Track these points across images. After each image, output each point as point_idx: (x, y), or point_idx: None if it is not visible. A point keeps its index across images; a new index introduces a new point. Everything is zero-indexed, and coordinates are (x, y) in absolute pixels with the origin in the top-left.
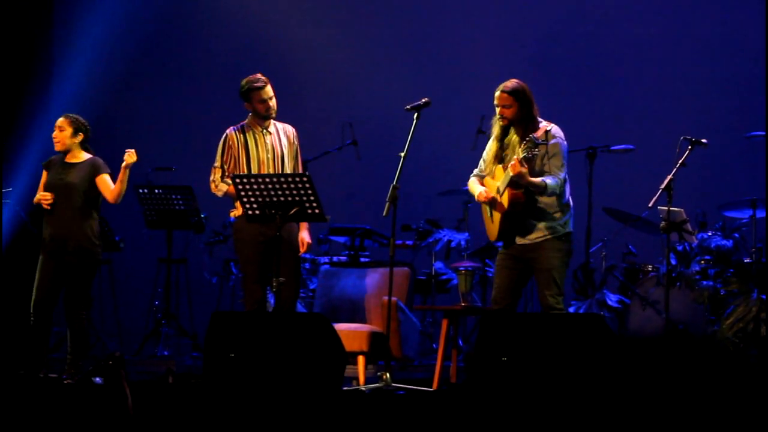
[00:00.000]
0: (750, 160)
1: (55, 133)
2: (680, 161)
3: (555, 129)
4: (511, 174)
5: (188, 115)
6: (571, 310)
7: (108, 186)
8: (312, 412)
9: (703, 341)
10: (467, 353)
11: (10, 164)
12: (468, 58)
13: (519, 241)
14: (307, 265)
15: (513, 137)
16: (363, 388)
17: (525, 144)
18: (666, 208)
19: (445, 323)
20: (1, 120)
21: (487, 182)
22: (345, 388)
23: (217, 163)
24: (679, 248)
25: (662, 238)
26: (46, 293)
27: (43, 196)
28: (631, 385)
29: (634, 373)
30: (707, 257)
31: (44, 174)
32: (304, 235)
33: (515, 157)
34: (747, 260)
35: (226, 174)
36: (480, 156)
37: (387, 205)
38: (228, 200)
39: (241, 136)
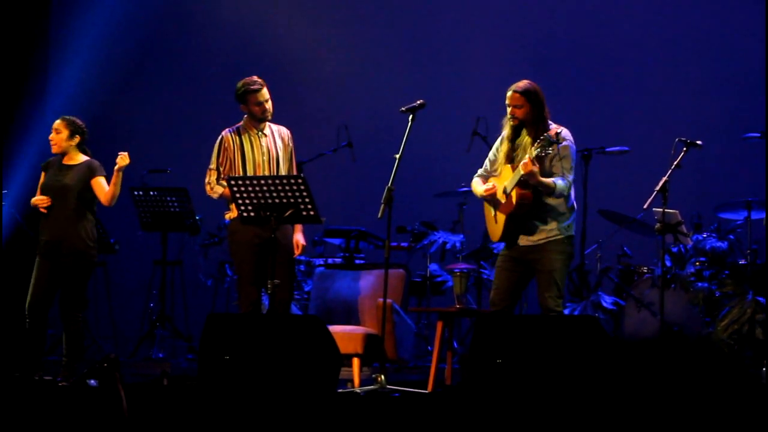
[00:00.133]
0: (745, 162)
1: (52, 136)
2: (675, 163)
3: (565, 132)
4: (522, 172)
5: (183, 117)
6: (566, 311)
7: (103, 189)
8: (307, 414)
9: (698, 343)
10: (462, 355)
11: (5, 166)
12: (463, 61)
13: (522, 242)
14: (302, 267)
15: (525, 139)
16: (358, 390)
17: (539, 142)
18: (661, 209)
19: (440, 325)
20: None
21: (492, 182)
22: (340, 390)
23: (213, 165)
24: (674, 250)
25: (657, 240)
26: (42, 295)
27: (39, 201)
28: (626, 387)
29: (628, 375)
30: (702, 259)
31: (42, 175)
32: (299, 237)
33: (527, 155)
34: (742, 262)
35: (222, 176)
36: (476, 158)
37: (382, 207)
38: (223, 202)
39: (237, 138)
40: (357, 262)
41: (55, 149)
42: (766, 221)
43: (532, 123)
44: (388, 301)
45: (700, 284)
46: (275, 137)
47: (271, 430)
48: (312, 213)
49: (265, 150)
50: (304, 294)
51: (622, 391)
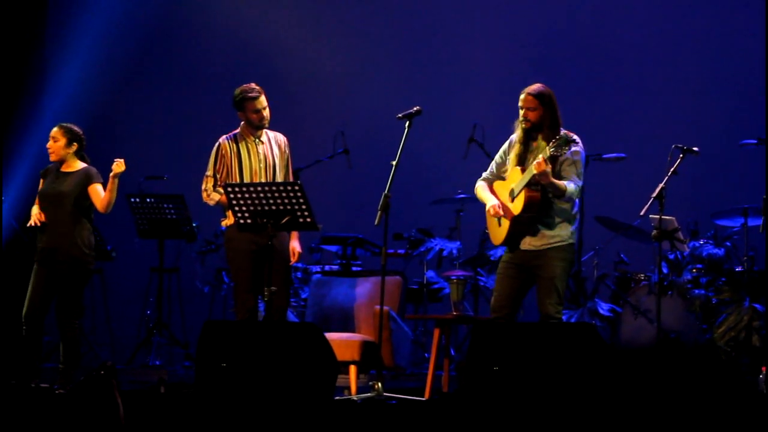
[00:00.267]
0: (742, 169)
1: (50, 144)
2: (672, 169)
3: (576, 137)
4: (534, 172)
5: (180, 124)
6: (563, 318)
7: (99, 195)
8: (304, 421)
9: (695, 350)
10: (459, 362)
11: (1, 173)
12: (459, 68)
13: (524, 246)
14: (299, 274)
15: (536, 143)
16: (355, 398)
17: (555, 141)
18: (658, 216)
19: (436, 332)
20: None
21: (498, 186)
22: (337, 398)
23: (210, 172)
24: (671, 257)
25: (654, 247)
26: (38, 302)
27: (36, 217)
28: (623, 394)
29: (625, 382)
30: (699, 266)
31: (41, 182)
32: (295, 245)
33: (541, 155)
34: (739, 269)
35: (218, 183)
36: (473, 164)
37: (379, 213)
38: (220, 209)
39: (234, 145)
40: (354, 269)
41: (52, 157)
42: (762, 228)
43: (544, 126)
44: (385, 308)
45: (696, 291)
46: (272, 144)
47: None
48: (309, 220)
49: (262, 157)
50: (301, 301)
51: (619, 399)
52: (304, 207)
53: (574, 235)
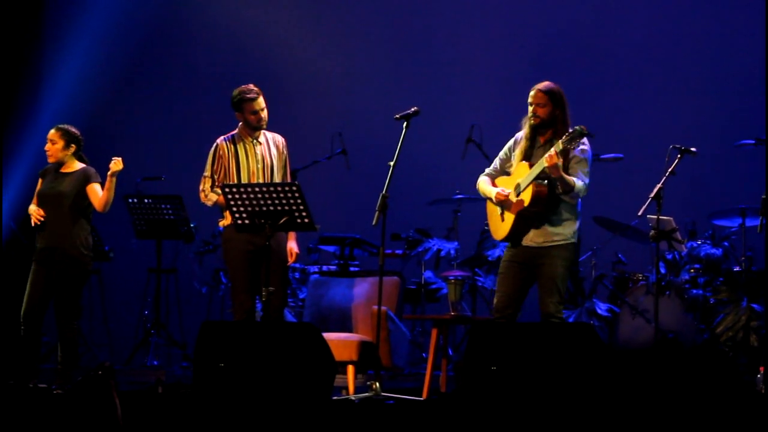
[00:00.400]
0: (739, 169)
1: (47, 146)
2: (669, 170)
3: (584, 138)
4: (545, 165)
5: (177, 125)
6: None
7: (97, 195)
8: (302, 421)
9: (692, 350)
10: (457, 362)
11: (1, 173)
12: (457, 69)
13: (526, 242)
14: (296, 275)
15: (542, 139)
16: (352, 398)
17: (569, 135)
18: (655, 216)
19: (434, 332)
20: None
21: (502, 181)
22: (334, 398)
23: (207, 173)
24: (669, 257)
25: (652, 247)
26: (37, 302)
27: (36, 213)
28: (620, 394)
29: (623, 382)
30: (697, 266)
31: (39, 182)
32: (293, 245)
33: (553, 148)
34: (736, 269)
35: (216, 184)
36: (470, 165)
37: (376, 214)
38: (217, 210)
39: (232, 146)
40: (351, 269)
41: (51, 159)
42: (760, 228)
43: (552, 123)
44: (383, 308)
45: (694, 291)
46: (270, 145)
47: None
48: (306, 220)
49: (259, 158)
50: (298, 301)
51: (617, 399)
52: (302, 207)
53: (576, 234)
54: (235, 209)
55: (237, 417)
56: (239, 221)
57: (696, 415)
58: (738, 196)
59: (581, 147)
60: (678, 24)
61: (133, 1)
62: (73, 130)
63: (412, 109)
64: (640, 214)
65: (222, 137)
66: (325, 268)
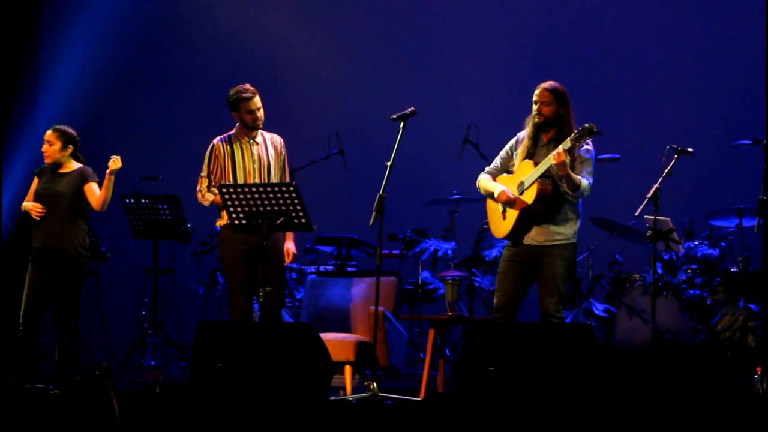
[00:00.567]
0: (736, 169)
1: (45, 147)
2: (666, 170)
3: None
4: (552, 162)
5: (175, 125)
6: None
7: (95, 194)
8: (299, 422)
9: (690, 350)
10: (454, 363)
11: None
12: (454, 69)
13: (528, 241)
14: (293, 275)
15: (545, 138)
16: (350, 398)
17: (578, 132)
18: (652, 217)
19: (431, 333)
20: None
21: (503, 180)
22: (332, 398)
23: (204, 173)
24: (666, 257)
25: (649, 247)
26: (35, 302)
27: (34, 207)
28: (617, 394)
29: (620, 382)
30: (694, 266)
31: (35, 181)
32: (290, 245)
33: (561, 146)
34: (734, 269)
35: (213, 184)
36: (467, 165)
37: (374, 214)
38: (214, 210)
39: (228, 146)
40: (349, 269)
41: (48, 160)
42: (757, 228)
43: (556, 122)
44: (380, 308)
45: (691, 291)
46: (267, 145)
47: None
48: (304, 221)
49: (256, 158)
50: (296, 301)
51: (614, 399)
52: (299, 208)
53: (576, 235)
54: (232, 209)
55: (234, 417)
56: (236, 221)
57: (694, 415)
58: (735, 196)
59: (585, 146)
60: (675, 24)
61: (130, 1)
62: (70, 130)
63: (409, 110)
64: (637, 214)
65: (218, 137)
66: (322, 268)
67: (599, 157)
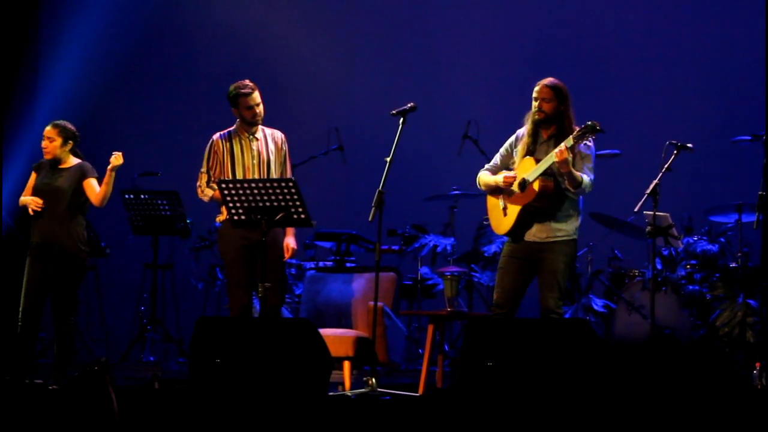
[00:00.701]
0: (736, 165)
1: (45, 143)
2: (666, 166)
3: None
4: (554, 160)
5: (174, 120)
6: None
7: (94, 190)
8: (298, 417)
9: (689, 346)
10: (453, 358)
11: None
12: (454, 64)
13: (529, 237)
14: (293, 270)
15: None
16: (349, 394)
17: (581, 129)
18: (652, 212)
19: (430, 328)
20: None
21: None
22: (331, 394)
23: (204, 169)
24: (665, 253)
25: (648, 243)
26: (34, 298)
27: (33, 201)
28: (616, 390)
29: (619, 378)
30: (693, 262)
31: (33, 176)
32: (290, 241)
33: (563, 143)
34: (733, 265)
35: (212, 179)
36: (467, 161)
37: (373, 210)
38: (214, 206)
39: (227, 142)
40: (348, 265)
41: (48, 156)
42: (756, 224)
43: (557, 119)
44: (379, 304)
45: (690, 287)
46: (268, 141)
47: None
48: (303, 216)
49: (255, 153)
50: (295, 297)
51: (613, 394)
52: (298, 203)
53: (577, 231)
54: (231, 205)
55: (233, 413)
56: (235, 217)
57: (693, 410)
58: (734, 192)
59: (585, 142)
60: (675, 20)
61: None
62: (70, 126)
63: (409, 105)
64: (636, 210)
65: (218, 133)
66: (321, 264)
67: (599, 152)
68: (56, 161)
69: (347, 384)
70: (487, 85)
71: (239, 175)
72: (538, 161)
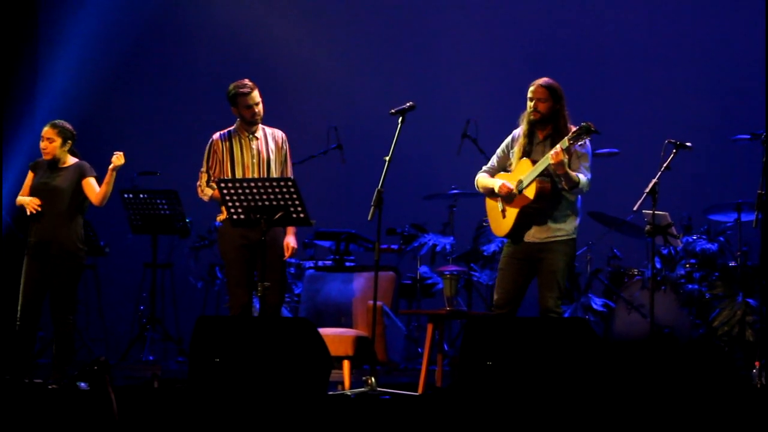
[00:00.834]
0: (735, 164)
1: (44, 144)
2: (665, 165)
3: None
4: (550, 162)
5: (173, 120)
6: None
7: (93, 189)
8: (297, 416)
9: (688, 345)
10: (452, 357)
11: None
12: (453, 63)
13: (528, 238)
14: (292, 270)
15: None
16: (348, 393)
17: (576, 131)
18: (651, 211)
19: (430, 327)
20: None
21: (501, 178)
22: (330, 393)
23: (204, 168)
24: (664, 252)
25: (647, 242)
26: (32, 297)
27: (33, 202)
28: (616, 389)
29: (619, 377)
30: (692, 261)
31: (30, 175)
32: (290, 240)
33: (559, 145)
34: (732, 264)
35: (212, 179)
36: (466, 160)
37: (372, 209)
38: (213, 205)
39: (227, 141)
40: (347, 264)
41: (47, 157)
42: (755, 223)
43: (552, 119)
44: (379, 303)
45: (690, 286)
46: (268, 140)
47: None
48: (302, 215)
49: (255, 152)
50: (294, 296)
51: (612, 394)
52: (297, 202)
53: (576, 231)
54: (230, 204)
55: (233, 412)
56: (234, 216)
57: (692, 410)
58: (733, 191)
59: (581, 142)
60: (674, 19)
61: None
62: (68, 126)
63: (408, 104)
64: (635, 209)
65: (218, 133)
66: (320, 263)
67: (597, 151)
68: (54, 161)
69: (347, 383)
70: (487, 84)
71: (239, 175)
72: (534, 163)
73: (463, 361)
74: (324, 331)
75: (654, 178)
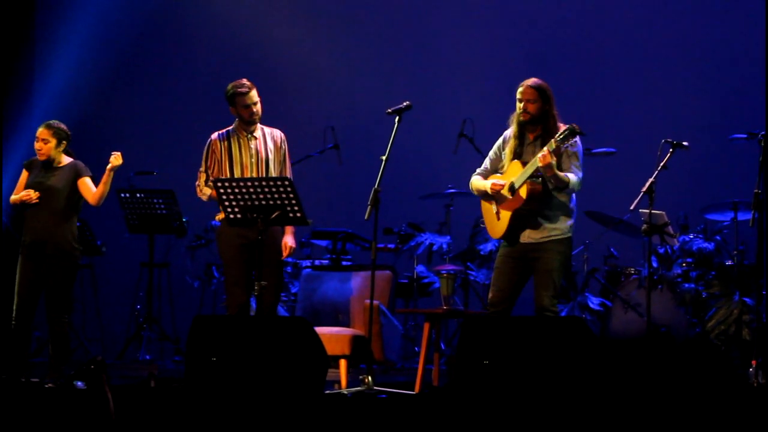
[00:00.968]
0: (732, 163)
1: (39, 145)
2: (662, 164)
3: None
4: (539, 164)
5: (170, 119)
6: None
7: (89, 189)
8: (294, 415)
9: (685, 344)
10: (449, 356)
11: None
12: (449, 63)
13: (523, 239)
14: (289, 269)
15: (532, 136)
16: (345, 392)
17: (562, 132)
18: (647, 210)
19: (426, 327)
20: None
21: (494, 179)
22: (327, 392)
23: (202, 168)
24: (661, 251)
25: (644, 241)
26: (27, 297)
27: (28, 193)
28: (612, 388)
29: (615, 376)
30: (689, 260)
31: (24, 174)
32: (288, 240)
33: (546, 147)
34: (729, 263)
35: (210, 178)
36: (462, 159)
37: (369, 208)
38: (211, 204)
39: (225, 141)
40: (344, 263)
41: (42, 158)
42: (752, 222)
43: (542, 120)
44: (375, 302)
45: (686, 285)
46: (266, 140)
47: (258, 431)
48: (299, 215)
49: (253, 152)
50: (291, 295)
51: (609, 393)
52: (294, 202)
53: (572, 229)
54: (227, 203)
55: (229, 411)
56: (231, 215)
57: (689, 409)
58: (730, 190)
59: (572, 141)
60: (671, 18)
61: None
62: (63, 126)
63: (404, 104)
64: (632, 208)
65: (217, 132)
66: (317, 262)
67: (594, 150)
68: (49, 161)
69: (343, 382)
70: (483, 83)
71: (237, 174)
72: (524, 165)
73: (460, 360)
74: (321, 330)
75: (651, 177)
